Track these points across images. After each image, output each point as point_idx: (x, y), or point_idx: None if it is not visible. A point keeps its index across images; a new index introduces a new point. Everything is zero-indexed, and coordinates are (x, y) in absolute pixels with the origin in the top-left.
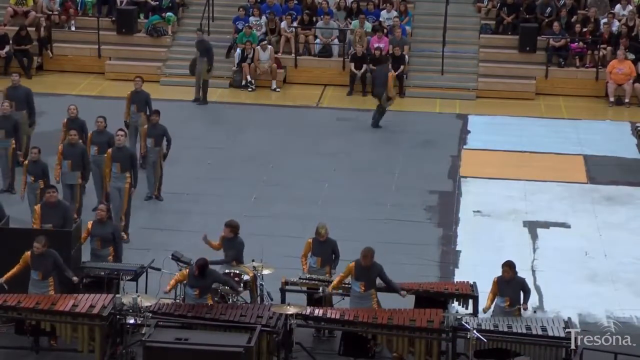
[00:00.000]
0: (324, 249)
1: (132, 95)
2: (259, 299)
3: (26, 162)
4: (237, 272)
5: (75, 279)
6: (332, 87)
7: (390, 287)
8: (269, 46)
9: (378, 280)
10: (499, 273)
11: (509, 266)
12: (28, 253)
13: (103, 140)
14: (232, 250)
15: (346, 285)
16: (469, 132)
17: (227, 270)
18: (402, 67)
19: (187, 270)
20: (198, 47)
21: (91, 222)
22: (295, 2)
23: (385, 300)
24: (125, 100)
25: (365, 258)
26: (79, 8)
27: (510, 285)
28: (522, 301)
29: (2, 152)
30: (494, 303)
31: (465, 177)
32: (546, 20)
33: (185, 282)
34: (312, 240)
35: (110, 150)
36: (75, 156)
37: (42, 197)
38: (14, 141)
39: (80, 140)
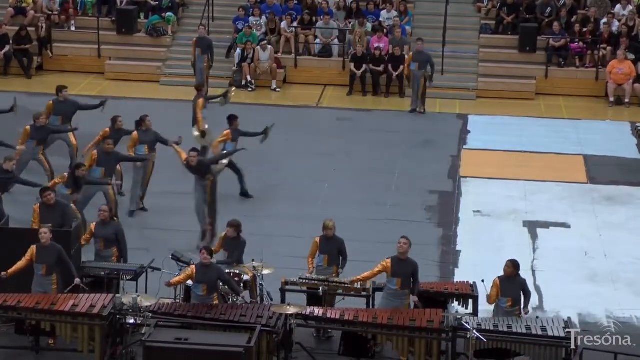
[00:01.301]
0: (331, 247)
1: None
2: (259, 299)
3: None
4: (237, 272)
5: (77, 280)
6: (332, 87)
7: (413, 286)
8: (269, 46)
9: None
10: (499, 273)
11: (512, 263)
12: (34, 246)
13: (151, 139)
14: (236, 251)
15: (345, 285)
16: (469, 132)
17: (227, 270)
18: (401, 67)
19: (194, 266)
20: (200, 44)
21: (94, 223)
22: (295, 2)
23: None
24: (197, 109)
25: (405, 240)
26: (79, 8)
27: (513, 285)
28: (522, 304)
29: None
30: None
31: (465, 177)
32: (546, 20)
33: (191, 279)
34: (320, 238)
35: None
36: (109, 164)
37: (41, 196)
38: (42, 149)
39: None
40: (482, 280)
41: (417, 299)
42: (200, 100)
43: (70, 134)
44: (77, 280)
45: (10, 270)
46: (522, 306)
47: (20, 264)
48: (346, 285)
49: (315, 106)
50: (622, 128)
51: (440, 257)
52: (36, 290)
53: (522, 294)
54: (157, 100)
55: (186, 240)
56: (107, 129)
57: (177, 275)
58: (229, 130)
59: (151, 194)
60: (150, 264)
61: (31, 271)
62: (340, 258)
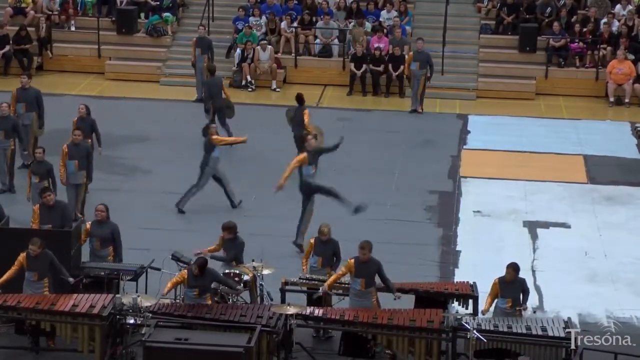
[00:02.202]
0: (326, 249)
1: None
2: (259, 299)
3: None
4: (237, 272)
5: (70, 279)
6: (332, 87)
7: (386, 285)
8: (269, 46)
9: (377, 280)
10: (499, 273)
11: (513, 268)
12: (23, 254)
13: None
14: (233, 250)
15: (345, 285)
16: (469, 132)
17: (227, 270)
18: (401, 67)
19: (186, 271)
20: (200, 44)
21: (90, 222)
22: (295, 2)
23: (384, 300)
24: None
25: (362, 250)
26: (79, 8)
27: (512, 287)
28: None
29: (0, 153)
30: (493, 304)
31: (465, 177)
32: (546, 20)
33: (184, 283)
34: (315, 239)
35: None
36: (80, 156)
37: (41, 197)
38: (12, 142)
39: (89, 140)
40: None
41: (400, 295)
42: (307, 111)
43: (34, 116)
44: (71, 280)
45: (0, 280)
46: (521, 302)
47: (10, 272)
48: (346, 286)
49: (315, 106)
50: (622, 128)
51: (440, 257)
52: (27, 292)
53: (521, 293)
54: (157, 100)
55: (186, 240)
56: (75, 120)
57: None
58: (307, 110)
59: (152, 193)
60: (151, 264)
61: (24, 273)
62: (335, 259)
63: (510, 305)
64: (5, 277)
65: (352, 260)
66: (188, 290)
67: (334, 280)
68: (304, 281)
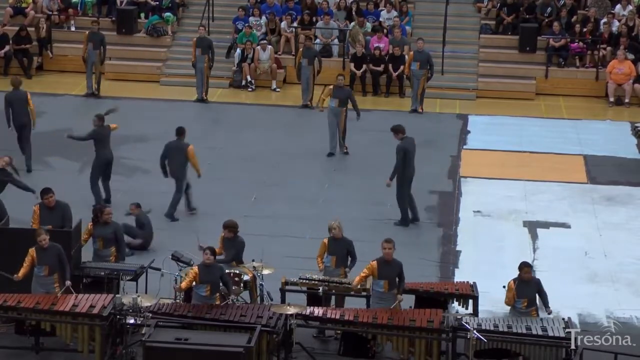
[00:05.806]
0: (339, 248)
1: None
2: (259, 299)
3: None
4: (237, 272)
5: (68, 282)
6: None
7: (399, 285)
8: (269, 46)
9: None
10: (499, 273)
11: (529, 267)
12: (33, 249)
13: None
14: (232, 250)
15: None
16: (469, 132)
17: (227, 270)
18: (401, 67)
19: (197, 267)
20: (200, 44)
21: (91, 223)
22: (295, 2)
23: None
24: None
25: (389, 254)
26: (79, 8)
27: (529, 287)
28: (542, 305)
29: None
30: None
31: (465, 177)
32: (546, 20)
33: (196, 280)
34: (328, 239)
35: None
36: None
37: (42, 198)
38: None
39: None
40: (504, 286)
41: (402, 298)
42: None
43: None
44: (68, 283)
45: (20, 273)
46: (545, 306)
47: (25, 269)
48: (346, 285)
49: (315, 106)
50: (622, 128)
51: (440, 257)
52: (37, 291)
53: (537, 294)
54: (157, 100)
55: (186, 240)
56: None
57: (181, 278)
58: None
59: (151, 193)
60: (151, 264)
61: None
62: (349, 259)
63: (526, 305)
64: (22, 273)
65: (375, 262)
66: (198, 287)
67: (359, 283)
68: (304, 281)
